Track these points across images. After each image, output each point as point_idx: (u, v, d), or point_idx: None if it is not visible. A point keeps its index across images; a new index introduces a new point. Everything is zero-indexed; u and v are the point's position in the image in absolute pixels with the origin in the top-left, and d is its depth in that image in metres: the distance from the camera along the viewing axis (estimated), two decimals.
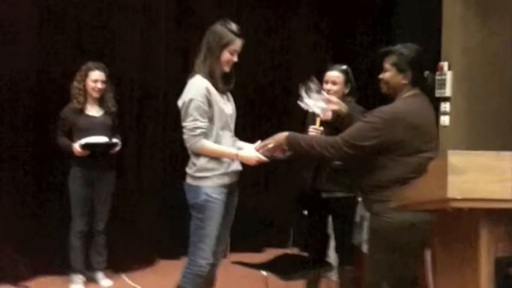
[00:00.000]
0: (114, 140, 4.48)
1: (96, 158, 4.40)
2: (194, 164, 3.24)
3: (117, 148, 4.51)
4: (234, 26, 3.21)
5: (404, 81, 2.91)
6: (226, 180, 3.25)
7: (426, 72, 2.95)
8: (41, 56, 4.70)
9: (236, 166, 3.31)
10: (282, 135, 3.03)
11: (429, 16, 5.32)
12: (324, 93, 3.24)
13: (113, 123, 4.58)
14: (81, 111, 4.44)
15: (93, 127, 4.42)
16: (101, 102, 4.52)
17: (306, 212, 4.19)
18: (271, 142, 3.12)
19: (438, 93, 5.11)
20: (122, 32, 4.99)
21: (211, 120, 3.19)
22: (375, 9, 6.01)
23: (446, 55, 5.12)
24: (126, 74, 4.99)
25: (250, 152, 3.23)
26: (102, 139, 4.39)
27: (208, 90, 3.15)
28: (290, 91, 5.67)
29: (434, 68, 5.13)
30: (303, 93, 3.23)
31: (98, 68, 4.46)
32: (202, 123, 3.15)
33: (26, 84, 4.65)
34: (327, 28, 5.94)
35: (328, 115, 3.26)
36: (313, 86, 3.23)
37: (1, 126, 4.61)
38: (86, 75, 4.43)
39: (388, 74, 2.92)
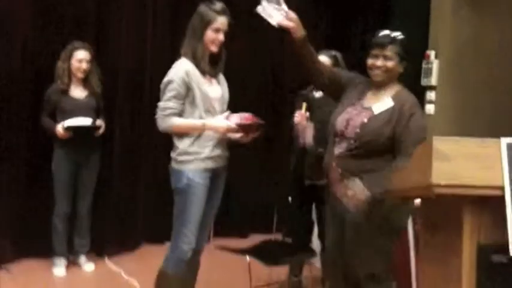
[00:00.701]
0: (98, 122, 4.42)
1: (80, 140, 4.34)
2: (177, 147, 3.23)
3: (101, 130, 4.47)
4: (217, 5, 3.18)
5: (400, 70, 2.94)
6: (209, 164, 3.22)
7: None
8: (34, 50, 4.62)
9: (221, 150, 3.29)
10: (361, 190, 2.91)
11: (418, 4, 5.31)
12: (285, 6, 2.89)
13: (98, 105, 4.52)
14: (65, 92, 4.37)
15: (77, 109, 4.36)
16: (85, 83, 4.46)
17: (290, 198, 4.20)
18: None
19: (424, 82, 5.12)
20: (113, 18, 4.93)
21: (192, 103, 3.17)
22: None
23: (434, 44, 5.13)
24: (115, 58, 4.92)
25: (219, 120, 3.19)
26: (85, 121, 4.33)
27: (187, 73, 3.14)
28: (283, 84, 5.68)
29: (421, 56, 5.14)
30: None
31: (83, 48, 4.40)
32: (174, 103, 3.15)
33: (19, 76, 4.58)
34: (319, 14, 5.89)
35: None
36: None
37: None
38: (71, 55, 4.37)
39: (392, 63, 2.90)
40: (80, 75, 4.41)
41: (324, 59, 3.80)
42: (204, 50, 3.18)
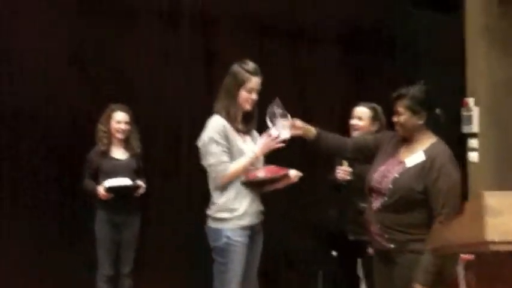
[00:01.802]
0: (138, 182, 4.47)
1: (121, 201, 4.38)
2: (213, 204, 3.22)
3: (142, 191, 4.50)
4: (250, 65, 3.24)
5: (420, 122, 2.95)
6: (247, 221, 3.20)
7: (437, 110, 2.99)
8: (68, 98, 4.78)
9: (258, 206, 3.27)
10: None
11: (452, 52, 5.31)
12: (289, 116, 3.14)
13: (138, 166, 4.57)
14: (106, 153, 4.45)
15: (117, 170, 4.42)
16: (126, 144, 4.54)
17: (334, 253, 4.13)
18: None
19: (465, 129, 5.05)
20: (145, 73, 5.05)
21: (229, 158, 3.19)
22: (397, 44, 6.01)
23: (472, 91, 5.09)
24: (150, 115, 5.00)
25: (262, 140, 3.19)
26: (126, 181, 4.38)
27: (225, 128, 3.17)
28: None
29: (459, 103, 5.10)
30: (268, 122, 3.13)
31: (121, 110, 4.49)
32: (226, 157, 3.16)
33: (56, 126, 4.74)
34: (351, 63, 5.93)
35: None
36: (276, 110, 3.13)
37: (24, 171, 4.66)
38: (110, 117, 4.47)
39: (403, 117, 2.96)
40: (120, 136, 4.48)
41: (363, 110, 3.88)
42: (237, 110, 3.22)
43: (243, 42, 5.31)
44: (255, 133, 3.38)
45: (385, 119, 3.89)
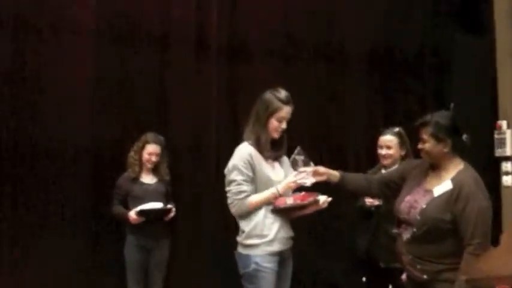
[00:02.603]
0: (169, 206, 4.50)
1: (151, 225, 4.40)
2: (243, 231, 3.20)
3: (171, 214, 4.51)
4: (282, 94, 3.23)
5: (445, 150, 2.90)
6: (276, 247, 3.17)
7: (464, 136, 2.94)
8: (95, 125, 4.85)
9: (287, 232, 3.24)
10: None
11: (483, 74, 5.25)
12: (312, 164, 3.19)
13: (166, 190, 4.62)
14: (136, 179, 4.51)
15: (147, 194, 4.47)
16: (155, 170, 4.60)
17: (364, 279, 4.07)
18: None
19: (498, 152, 4.97)
20: (175, 99, 5.11)
21: (254, 186, 3.17)
22: (426, 66, 5.98)
23: (504, 113, 5.01)
24: (179, 141, 5.04)
25: (288, 178, 3.18)
26: (157, 205, 4.42)
27: (251, 156, 3.16)
28: (343, 147, 5.64)
29: (492, 126, 5.02)
30: (292, 169, 3.20)
31: (155, 142, 4.54)
32: (247, 187, 3.15)
33: (80, 152, 4.79)
34: (378, 84, 5.90)
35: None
36: (298, 157, 3.18)
37: (53, 196, 4.71)
38: (143, 148, 4.52)
39: (428, 145, 2.91)
40: (149, 166, 4.56)
41: (390, 138, 3.89)
42: (267, 137, 3.22)
43: (269, 68, 5.35)
44: (285, 159, 3.36)
45: (409, 140, 3.90)
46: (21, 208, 4.62)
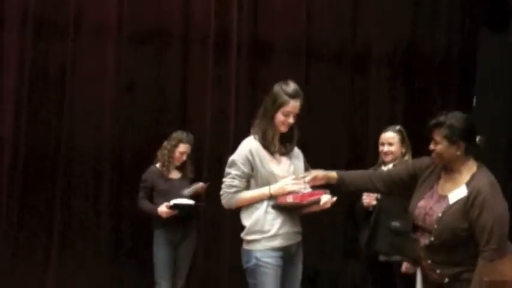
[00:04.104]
0: (201, 203, 4.58)
1: (179, 220, 4.48)
2: (244, 227, 3.19)
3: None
4: (290, 88, 3.16)
5: (458, 153, 2.85)
6: (277, 242, 3.12)
7: (478, 138, 2.89)
8: (118, 124, 4.98)
9: (291, 227, 3.17)
10: None
11: (508, 73, 5.12)
12: (310, 170, 3.18)
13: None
14: (162, 174, 4.59)
15: (173, 189, 4.54)
16: (181, 167, 4.68)
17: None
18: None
19: None
20: (195, 98, 5.19)
21: (257, 182, 3.14)
22: (451, 66, 5.90)
23: None
24: (198, 140, 5.08)
25: (284, 181, 3.11)
26: (189, 201, 4.49)
27: (251, 153, 3.13)
28: (364, 148, 5.62)
29: None
30: None
31: (188, 142, 4.62)
32: (239, 182, 3.14)
33: (107, 151, 4.95)
34: (401, 85, 5.85)
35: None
36: None
37: (79, 194, 4.87)
38: (176, 146, 4.59)
39: (441, 147, 2.85)
40: (178, 164, 4.64)
41: (392, 135, 3.97)
42: (274, 132, 3.17)
43: (290, 68, 5.36)
44: (296, 152, 3.31)
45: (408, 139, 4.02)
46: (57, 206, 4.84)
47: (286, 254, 3.16)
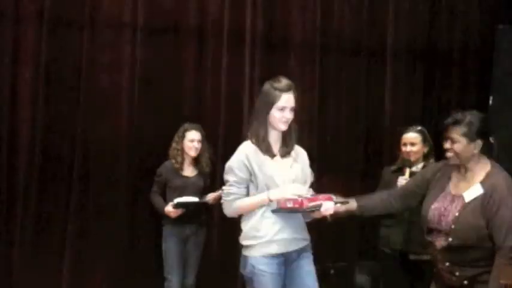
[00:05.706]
0: (207, 197, 4.55)
1: (188, 215, 4.48)
2: (241, 231, 3.11)
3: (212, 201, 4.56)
4: (280, 83, 3.03)
5: (475, 151, 2.84)
6: (273, 249, 3.00)
7: (491, 138, 2.89)
8: (139, 118, 4.99)
9: (291, 233, 3.04)
10: None
11: None
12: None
13: (205, 184, 4.69)
14: (177, 170, 4.58)
15: (186, 187, 4.55)
16: (196, 162, 4.66)
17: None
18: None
19: None
20: (210, 92, 5.19)
21: (256, 186, 3.04)
22: (469, 60, 5.87)
23: None
24: (213, 133, 5.11)
25: (285, 187, 2.99)
26: (193, 199, 4.49)
27: (247, 158, 3.02)
28: (380, 142, 5.60)
29: None
30: None
31: (194, 128, 4.63)
32: (237, 189, 3.04)
33: (123, 146, 4.97)
34: (418, 79, 5.81)
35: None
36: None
37: (94, 187, 4.90)
38: (183, 136, 4.60)
39: (458, 146, 2.83)
40: (193, 154, 4.61)
41: (414, 135, 4.04)
42: (268, 132, 3.06)
43: (305, 61, 5.35)
44: (299, 153, 3.18)
45: (430, 139, 4.08)
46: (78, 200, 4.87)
47: (286, 261, 3.05)
